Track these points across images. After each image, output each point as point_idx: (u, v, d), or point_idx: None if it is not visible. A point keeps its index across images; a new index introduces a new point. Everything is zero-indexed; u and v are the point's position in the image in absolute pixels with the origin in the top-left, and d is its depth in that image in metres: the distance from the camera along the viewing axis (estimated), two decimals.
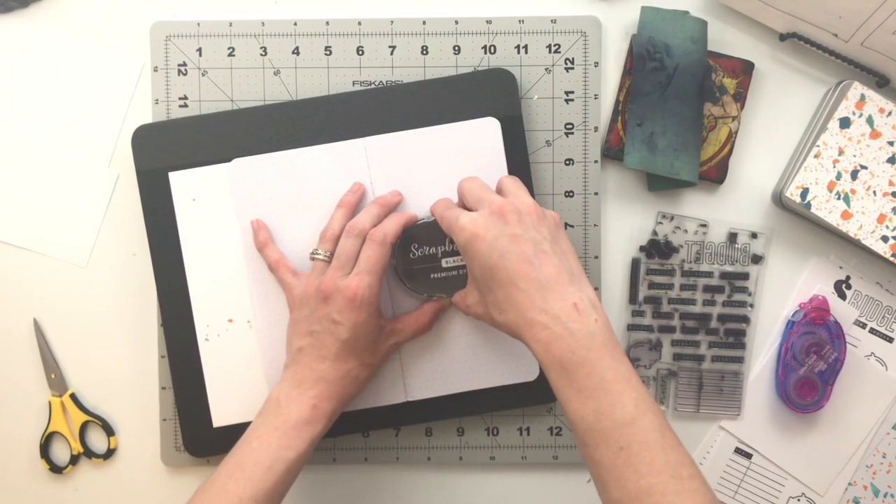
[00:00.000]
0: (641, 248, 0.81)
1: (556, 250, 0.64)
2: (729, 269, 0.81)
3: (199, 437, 0.79)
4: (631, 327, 0.81)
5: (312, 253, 0.74)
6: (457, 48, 0.80)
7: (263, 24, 0.80)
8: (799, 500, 0.82)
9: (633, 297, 0.81)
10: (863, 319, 0.82)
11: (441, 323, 0.78)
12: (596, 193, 0.81)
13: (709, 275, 0.81)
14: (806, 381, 0.80)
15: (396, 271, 0.76)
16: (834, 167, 0.78)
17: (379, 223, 0.74)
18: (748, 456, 0.82)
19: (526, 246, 0.62)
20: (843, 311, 0.82)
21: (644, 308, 0.81)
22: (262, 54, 0.80)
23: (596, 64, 0.80)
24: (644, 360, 0.81)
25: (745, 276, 0.81)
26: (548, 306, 0.61)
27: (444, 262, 0.76)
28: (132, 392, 0.82)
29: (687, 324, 0.81)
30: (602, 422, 0.58)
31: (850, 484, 0.82)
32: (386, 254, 0.72)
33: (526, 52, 0.80)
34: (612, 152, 0.80)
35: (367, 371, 0.73)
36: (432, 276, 0.76)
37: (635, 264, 0.81)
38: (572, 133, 0.81)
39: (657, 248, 0.81)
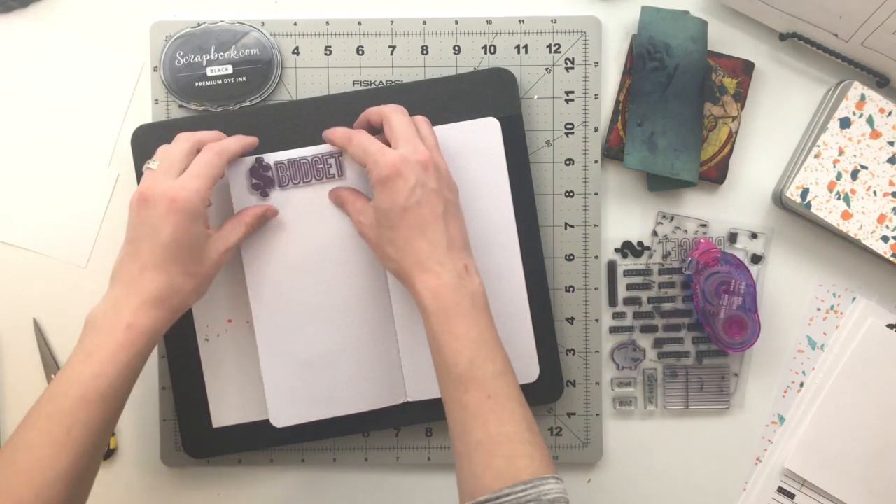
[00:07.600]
0: (616, 250, 0.81)
1: (459, 215, 0.70)
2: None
3: (199, 437, 0.79)
4: (613, 328, 0.82)
5: (145, 164, 0.70)
6: (457, 48, 0.80)
7: (263, 23, 0.80)
8: None
9: (611, 301, 0.81)
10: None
11: None
12: (596, 193, 0.81)
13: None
14: (732, 321, 0.79)
15: None
16: (834, 167, 0.78)
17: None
18: (790, 496, 0.81)
19: (440, 203, 0.68)
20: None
21: (624, 310, 0.81)
22: None
23: (596, 64, 0.80)
24: (623, 360, 0.81)
25: None
26: (445, 260, 0.67)
27: None
28: (132, 392, 0.81)
29: (683, 321, 0.81)
30: (474, 370, 0.65)
31: None
32: (221, 164, 0.70)
33: (526, 52, 0.80)
34: (613, 152, 0.80)
35: (193, 282, 0.68)
36: None
37: (611, 266, 0.81)
38: (572, 133, 0.81)
39: (631, 249, 0.81)
